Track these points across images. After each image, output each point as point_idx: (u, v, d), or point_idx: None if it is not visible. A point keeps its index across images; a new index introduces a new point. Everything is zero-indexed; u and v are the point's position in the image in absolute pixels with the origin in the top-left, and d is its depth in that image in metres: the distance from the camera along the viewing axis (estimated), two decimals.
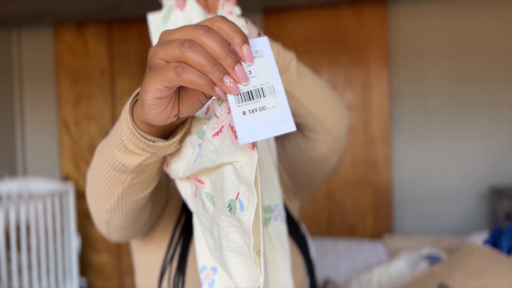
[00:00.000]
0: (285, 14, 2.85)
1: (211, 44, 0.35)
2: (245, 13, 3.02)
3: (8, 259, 2.20)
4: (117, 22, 3.11)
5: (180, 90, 0.40)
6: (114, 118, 3.15)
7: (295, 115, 0.69)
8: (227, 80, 0.35)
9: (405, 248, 2.19)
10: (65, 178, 3.19)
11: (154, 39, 0.62)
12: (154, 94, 0.36)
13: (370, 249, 2.26)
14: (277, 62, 0.62)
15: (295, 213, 0.82)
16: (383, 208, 2.77)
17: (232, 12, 0.57)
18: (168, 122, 0.40)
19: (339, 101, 0.70)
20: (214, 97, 0.41)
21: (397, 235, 2.50)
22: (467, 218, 2.80)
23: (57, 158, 3.29)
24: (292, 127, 0.36)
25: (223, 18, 0.36)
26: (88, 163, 3.18)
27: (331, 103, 0.68)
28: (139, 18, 3.06)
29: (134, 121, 0.42)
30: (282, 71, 0.64)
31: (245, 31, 0.57)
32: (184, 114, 0.41)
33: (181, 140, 0.47)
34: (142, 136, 0.42)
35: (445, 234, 2.80)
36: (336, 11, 2.78)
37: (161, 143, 0.43)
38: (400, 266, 1.74)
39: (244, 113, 0.36)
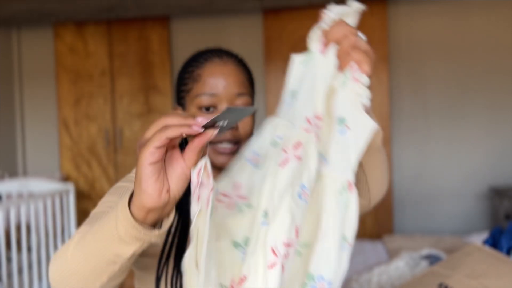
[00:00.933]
0: (285, 14, 2.85)
1: (173, 119, 0.45)
2: (245, 13, 3.02)
3: (8, 259, 2.20)
4: (117, 22, 3.11)
5: (166, 165, 0.47)
6: (114, 118, 3.15)
7: None
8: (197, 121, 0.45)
9: (405, 248, 2.19)
10: (65, 178, 3.19)
11: (289, 76, 0.62)
12: (148, 159, 0.44)
13: (370, 249, 2.26)
14: (376, 141, 0.64)
15: None
16: (383, 208, 2.77)
17: (359, 80, 0.57)
18: (162, 200, 0.46)
19: (387, 172, 0.75)
20: (199, 167, 0.46)
21: (397, 235, 2.50)
22: (467, 218, 2.80)
23: (57, 158, 3.29)
24: None
25: (174, 113, 0.46)
26: (88, 163, 3.18)
27: (383, 172, 0.72)
28: (139, 18, 3.06)
29: (131, 213, 0.47)
30: (376, 148, 0.65)
31: (368, 101, 0.57)
32: (174, 189, 0.47)
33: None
34: (140, 225, 0.47)
35: (445, 234, 2.80)
36: None
37: (157, 231, 0.48)
38: (400, 266, 1.74)
39: None
